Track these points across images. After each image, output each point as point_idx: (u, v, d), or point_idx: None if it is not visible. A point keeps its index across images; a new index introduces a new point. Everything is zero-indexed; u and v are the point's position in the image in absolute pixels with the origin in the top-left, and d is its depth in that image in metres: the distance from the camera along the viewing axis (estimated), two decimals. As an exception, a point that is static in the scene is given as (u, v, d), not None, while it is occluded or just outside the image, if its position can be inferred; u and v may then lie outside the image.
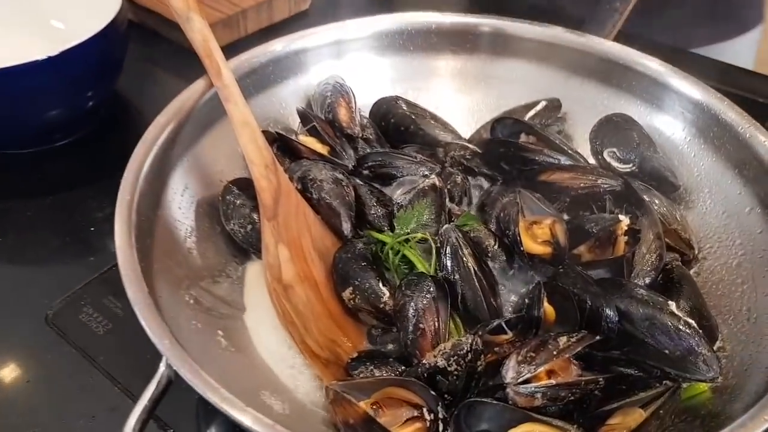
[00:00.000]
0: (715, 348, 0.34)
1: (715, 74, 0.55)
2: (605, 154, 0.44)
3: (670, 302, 0.32)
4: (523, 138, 0.45)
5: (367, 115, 0.49)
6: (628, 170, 0.43)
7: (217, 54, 0.42)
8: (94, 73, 0.53)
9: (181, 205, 0.39)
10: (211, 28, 0.63)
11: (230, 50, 0.66)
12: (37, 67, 0.48)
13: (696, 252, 0.40)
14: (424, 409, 0.29)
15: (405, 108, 0.49)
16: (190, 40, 0.43)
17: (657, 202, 0.40)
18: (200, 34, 0.42)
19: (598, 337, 0.30)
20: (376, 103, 0.49)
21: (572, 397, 0.29)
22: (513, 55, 0.49)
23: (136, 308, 0.28)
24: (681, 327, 0.30)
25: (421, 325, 0.33)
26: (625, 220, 0.37)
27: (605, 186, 0.41)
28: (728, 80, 0.53)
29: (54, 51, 0.48)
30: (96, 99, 0.55)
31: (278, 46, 0.46)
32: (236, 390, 0.28)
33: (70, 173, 0.54)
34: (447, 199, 0.42)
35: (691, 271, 0.39)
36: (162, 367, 0.27)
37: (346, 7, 0.76)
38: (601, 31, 0.47)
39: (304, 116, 0.47)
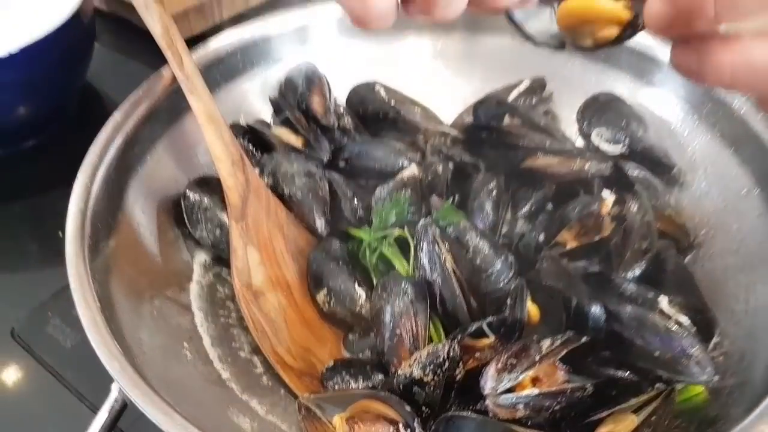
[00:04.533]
0: (712, 344, 0.32)
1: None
2: (593, 136, 0.41)
3: (660, 298, 0.30)
4: (507, 121, 0.43)
5: (344, 103, 0.47)
6: (618, 152, 0.40)
7: (179, 44, 0.40)
8: (58, 68, 0.51)
9: (144, 208, 0.38)
10: (184, 15, 0.61)
11: (203, 39, 0.64)
12: None
13: (692, 238, 0.38)
14: (400, 425, 0.27)
15: (383, 94, 0.46)
16: (149, 30, 0.41)
17: (649, 185, 0.38)
18: (160, 23, 0.40)
19: (584, 339, 0.28)
20: (352, 89, 0.47)
21: (558, 407, 0.27)
22: (494, 31, 0.46)
23: (87, 330, 0.27)
24: (672, 327, 0.28)
25: (398, 331, 0.31)
26: (609, 198, 0.34)
27: (593, 170, 0.39)
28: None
29: (14, 47, 0.46)
30: (63, 96, 0.54)
31: (245, 32, 0.44)
32: (201, 409, 0.26)
33: (39, 177, 0.52)
34: (428, 191, 0.40)
35: (687, 259, 0.37)
36: (114, 392, 0.26)
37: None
38: None
39: (277, 106, 0.45)
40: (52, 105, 0.54)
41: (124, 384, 0.25)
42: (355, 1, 0.24)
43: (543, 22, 0.30)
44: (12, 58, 0.46)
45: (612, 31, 0.27)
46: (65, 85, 0.54)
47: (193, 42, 0.65)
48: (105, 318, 0.27)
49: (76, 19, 0.50)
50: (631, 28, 0.26)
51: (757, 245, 0.35)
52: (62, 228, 0.47)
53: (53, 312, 0.41)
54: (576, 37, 0.30)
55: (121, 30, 0.64)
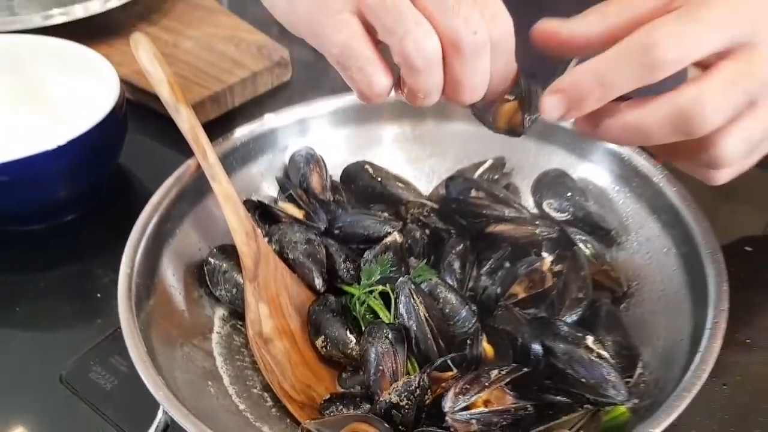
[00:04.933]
0: (637, 374, 0.39)
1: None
2: (544, 205, 0.50)
3: (587, 337, 0.37)
4: (473, 194, 0.51)
5: (339, 179, 0.56)
6: (565, 218, 0.49)
7: (203, 138, 0.49)
8: (97, 155, 0.58)
9: (174, 272, 0.46)
10: (201, 104, 0.71)
11: (219, 122, 0.74)
12: (45, 156, 0.53)
13: (625, 289, 0.45)
14: (382, 440, 0.34)
15: (371, 171, 0.55)
16: (179, 127, 0.50)
17: (589, 245, 0.46)
18: (188, 123, 0.49)
19: (525, 370, 0.35)
20: (345, 168, 0.56)
21: (505, 422, 0.34)
22: (462, 119, 0.55)
23: (138, 367, 0.34)
24: (594, 358, 0.35)
25: (381, 367, 0.38)
26: (548, 258, 0.42)
27: (543, 234, 0.47)
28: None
29: (61, 140, 0.54)
30: (99, 177, 0.61)
31: (255, 126, 0.53)
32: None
33: (77, 246, 0.59)
34: (407, 253, 0.48)
35: (622, 306, 0.45)
36: (159, 414, 0.33)
37: (322, 75, 0.84)
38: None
39: (282, 185, 0.54)
40: (89, 185, 0.60)
41: (168, 407, 0.32)
42: (362, 84, 0.33)
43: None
44: (59, 149, 0.53)
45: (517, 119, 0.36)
46: (101, 169, 0.61)
47: (209, 125, 0.75)
48: (150, 358, 0.35)
49: (112, 114, 0.58)
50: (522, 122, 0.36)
51: (673, 293, 0.42)
52: (99, 290, 0.55)
53: (94, 361, 0.47)
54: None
55: (147, 117, 0.73)
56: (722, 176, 0.35)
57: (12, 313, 0.53)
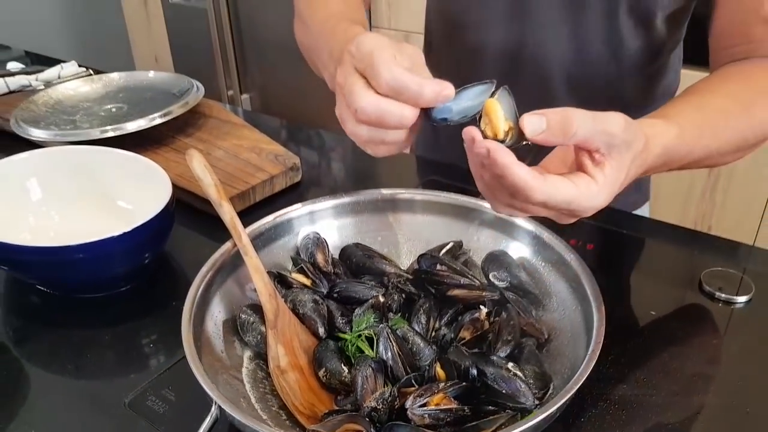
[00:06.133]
0: (549, 392, 0.55)
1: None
2: (490, 276, 0.66)
3: (509, 363, 0.53)
4: (438, 267, 0.68)
5: (337, 256, 0.73)
6: (504, 286, 0.65)
7: (239, 225, 0.66)
8: (150, 241, 0.73)
9: (216, 323, 0.62)
10: (231, 201, 0.89)
11: (243, 213, 0.92)
12: (113, 240, 0.67)
13: (546, 337, 0.61)
14: (364, 432, 0.49)
15: (362, 252, 0.72)
16: (221, 218, 0.67)
17: (520, 305, 0.63)
18: (228, 215, 0.66)
19: (464, 384, 0.51)
20: (343, 248, 0.72)
21: (448, 419, 0.49)
22: (432, 212, 0.74)
23: (198, 377, 0.50)
24: (511, 376, 0.51)
25: (365, 386, 0.54)
26: (483, 311, 0.59)
27: (487, 296, 0.63)
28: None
29: (125, 228, 0.69)
30: (150, 258, 0.75)
31: (276, 217, 0.71)
32: None
33: (131, 311, 0.73)
34: (387, 310, 0.64)
35: (544, 350, 0.61)
36: (213, 408, 0.48)
37: (326, 177, 1.03)
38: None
39: (295, 260, 0.71)
40: (141, 264, 0.75)
41: (220, 401, 0.48)
42: (370, 147, 0.51)
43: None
44: (123, 236, 0.65)
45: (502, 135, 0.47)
46: (153, 252, 0.75)
47: (235, 217, 0.91)
48: (207, 377, 0.51)
49: (165, 209, 0.73)
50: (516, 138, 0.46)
51: (577, 337, 0.58)
52: (149, 344, 0.71)
53: (150, 392, 0.61)
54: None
55: (184, 211, 0.88)
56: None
57: (82, 359, 0.68)
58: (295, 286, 0.66)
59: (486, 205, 0.71)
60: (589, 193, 0.46)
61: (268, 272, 0.66)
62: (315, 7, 0.73)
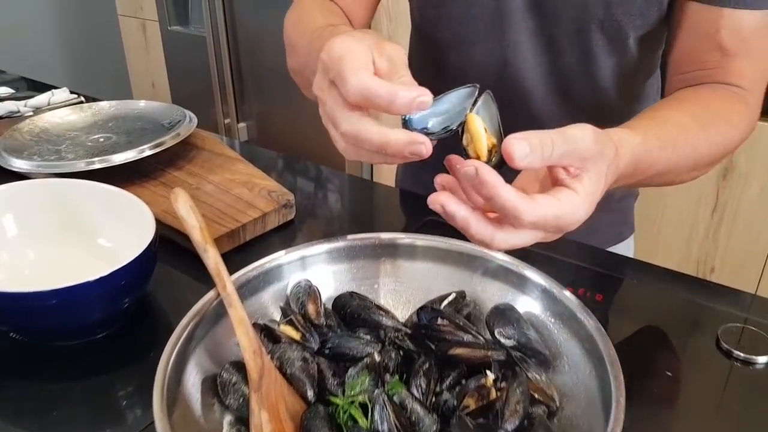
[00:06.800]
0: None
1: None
2: (496, 333, 0.61)
3: (518, 437, 0.48)
4: (439, 321, 0.63)
5: (330, 306, 0.68)
6: (511, 344, 0.60)
7: (224, 273, 0.61)
8: (131, 285, 0.68)
9: (194, 384, 0.56)
10: (218, 240, 0.84)
11: (232, 253, 0.86)
12: (89, 285, 0.63)
13: (558, 404, 0.56)
14: None
15: (357, 301, 0.67)
16: (204, 263, 0.62)
17: (529, 367, 0.58)
18: (213, 260, 0.61)
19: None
20: (336, 297, 0.67)
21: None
22: (431, 259, 0.69)
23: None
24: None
25: (358, 462, 0.48)
26: (490, 376, 0.53)
27: (493, 356, 0.58)
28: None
29: (105, 268, 0.66)
30: (130, 302, 0.71)
31: (264, 262, 0.66)
32: None
33: (107, 361, 0.68)
34: (383, 370, 0.59)
35: (555, 419, 0.55)
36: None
37: (321, 214, 0.99)
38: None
39: (284, 311, 0.66)
40: (120, 309, 0.70)
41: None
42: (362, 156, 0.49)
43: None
44: (100, 280, 0.61)
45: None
46: (133, 296, 0.70)
47: (224, 256, 0.87)
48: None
49: (148, 250, 0.69)
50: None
51: (592, 407, 0.53)
52: (124, 398, 0.65)
53: None
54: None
55: (169, 249, 0.84)
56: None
57: (50, 416, 0.62)
58: (283, 340, 0.61)
59: (491, 253, 0.66)
60: (572, 204, 0.47)
61: (254, 324, 0.60)
62: (302, 29, 0.73)
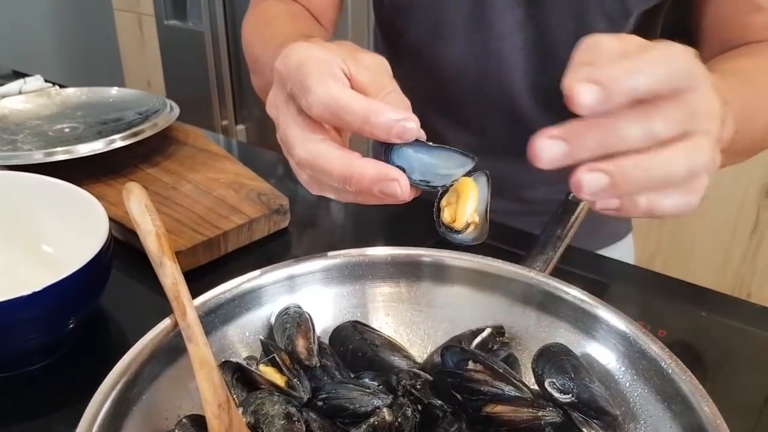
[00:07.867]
0: None
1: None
2: (546, 384, 0.46)
3: None
4: (470, 365, 0.48)
5: (327, 341, 0.52)
6: (568, 400, 0.45)
7: (185, 295, 0.46)
8: (75, 301, 0.56)
9: (136, 444, 0.41)
10: (193, 250, 0.69)
11: (209, 267, 0.71)
12: (21, 302, 0.50)
13: (635, 487, 0.40)
14: None
15: (362, 334, 0.52)
16: (161, 281, 0.47)
17: (596, 434, 0.42)
18: (170, 278, 0.46)
19: None
20: (335, 329, 0.52)
21: None
22: (459, 282, 0.53)
23: None
24: None
25: None
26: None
27: (546, 418, 0.43)
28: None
29: (38, 287, 0.52)
30: (76, 322, 0.58)
31: (242, 281, 0.51)
32: None
33: (44, 397, 0.55)
34: (396, 433, 0.44)
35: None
36: None
37: (321, 224, 0.84)
38: (538, 265, 0.53)
39: (266, 347, 0.50)
40: (63, 333, 0.57)
41: None
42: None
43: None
44: (35, 295, 0.50)
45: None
46: (78, 315, 0.58)
47: (199, 270, 0.72)
48: None
49: (97, 259, 0.55)
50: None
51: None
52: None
53: None
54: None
55: (134, 258, 0.71)
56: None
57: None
58: (262, 386, 0.45)
59: (538, 277, 0.51)
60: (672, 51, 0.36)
61: (224, 363, 0.46)
62: (267, 39, 0.68)
